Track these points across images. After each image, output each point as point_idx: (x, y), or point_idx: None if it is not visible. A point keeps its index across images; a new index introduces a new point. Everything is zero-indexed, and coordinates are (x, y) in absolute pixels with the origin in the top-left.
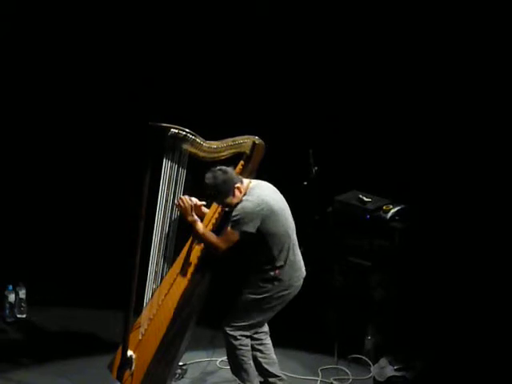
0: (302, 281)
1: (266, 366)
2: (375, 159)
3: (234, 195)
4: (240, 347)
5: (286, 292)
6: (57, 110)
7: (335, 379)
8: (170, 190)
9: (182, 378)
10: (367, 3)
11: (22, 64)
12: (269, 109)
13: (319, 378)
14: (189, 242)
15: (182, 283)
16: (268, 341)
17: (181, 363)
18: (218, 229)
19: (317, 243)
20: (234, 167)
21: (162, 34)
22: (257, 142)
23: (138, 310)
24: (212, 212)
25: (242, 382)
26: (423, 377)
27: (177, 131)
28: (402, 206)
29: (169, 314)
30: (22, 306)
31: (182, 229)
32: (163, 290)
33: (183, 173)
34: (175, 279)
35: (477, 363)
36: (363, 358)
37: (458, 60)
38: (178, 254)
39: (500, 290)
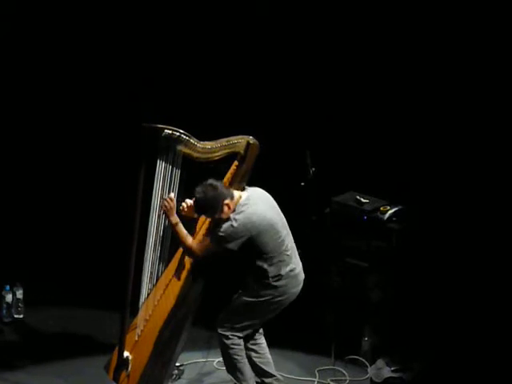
0: (299, 287)
1: (261, 366)
2: (373, 160)
3: (222, 211)
4: (232, 346)
5: (282, 298)
6: (53, 111)
7: (332, 380)
8: (164, 190)
9: (179, 378)
10: (365, 3)
11: (18, 64)
12: (266, 109)
13: (316, 379)
14: None
15: (178, 284)
16: (262, 340)
17: (177, 364)
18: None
19: (314, 244)
20: (228, 168)
21: (157, 35)
22: (251, 142)
23: (134, 310)
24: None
25: (238, 381)
26: (420, 378)
27: (171, 132)
28: (400, 207)
29: (165, 314)
30: (19, 307)
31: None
32: (159, 291)
33: (177, 173)
34: (171, 280)
35: (474, 364)
36: (360, 359)
37: (456, 60)
38: (174, 255)
39: (497, 291)
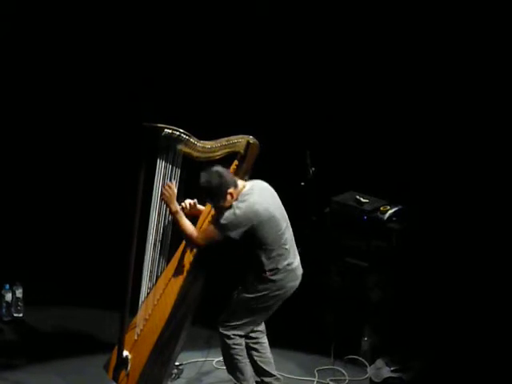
0: (297, 281)
1: (261, 365)
2: (373, 160)
3: (225, 199)
4: (234, 346)
5: (280, 292)
6: (52, 111)
7: (331, 380)
8: None
9: (178, 378)
10: (365, 3)
11: (18, 64)
12: (266, 109)
13: (316, 379)
14: (184, 241)
15: (178, 283)
16: (264, 340)
17: (177, 363)
18: None
19: (314, 244)
20: (229, 167)
21: (157, 35)
22: (251, 142)
23: (134, 310)
24: (206, 213)
25: (238, 381)
26: (420, 378)
27: (171, 131)
28: (400, 206)
29: (164, 313)
30: (18, 306)
31: (177, 229)
32: (158, 290)
33: (177, 173)
34: (170, 279)
35: (473, 364)
36: (360, 358)
37: (456, 60)
38: (173, 254)
39: (497, 291)
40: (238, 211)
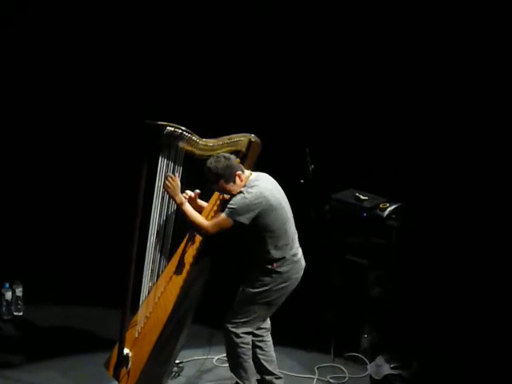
0: (301, 273)
1: (264, 363)
2: (372, 157)
3: (234, 182)
4: (242, 345)
5: (286, 284)
6: (54, 108)
7: (332, 377)
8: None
9: (179, 375)
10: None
11: (21, 62)
12: (265, 107)
13: (316, 376)
14: (185, 239)
15: (179, 281)
16: (269, 338)
17: (177, 361)
18: None
19: (314, 241)
20: None
21: (159, 33)
22: (253, 140)
23: (135, 307)
24: (212, 203)
25: (240, 379)
26: (420, 375)
27: (173, 129)
28: (399, 204)
29: (165, 311)
30: (18, 304)
31: (179, 226)
32: (160, 288)
33: (179, 170)
34: (171, 277)
35: (474, 361)
36: (360, 356)
37: (455, 57)
38: (175, 252)
39: (497, 288)
40: (248, 195)
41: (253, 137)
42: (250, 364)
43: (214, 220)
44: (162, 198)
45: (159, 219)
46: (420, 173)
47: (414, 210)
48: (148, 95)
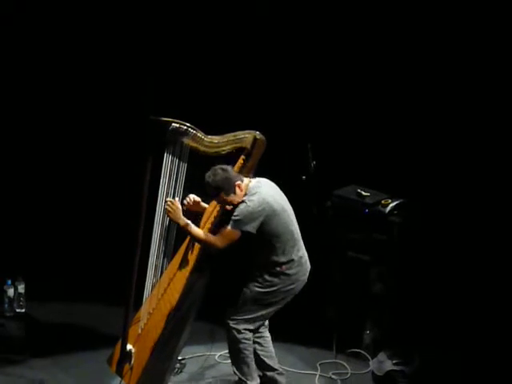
0: (307, 275)
1: (264, 359)
2: (374, 154)
3: (235, 193)
4: (243, 341)
5: (293, 286)
6: (58, 105)
7: (334, 373)
8: (170, 184)
9: (181, 372)
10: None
11: (22, 59)
12: (268, 103)
13: (318, 373)
14: (189, 236)
15: (182, 277)
16: (267, 334)
17: (179, 357)
18: (217, 225)
19: (315, 238)
20: (235, 162)
21: (164, 29)
22: (258, 138)
23: (138, 304)
24: (211, 208)
25: (242, 375)
26: (422, 371)
27: (178, 125)
28: (401, 200)
29: (168, 308)
30: (20, 301)
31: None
32: (163, 284)
33: (184, 167)
34: (175, 273)
35: (476, 357)
36: (362, 352)
37: (455, 54)
38: (178, 248)
39: (499, 284)
40: (250, 203)
41: (258, 134)
42: (251, 360)
43: (221, 235)
44: (167, 194)
45: (163, 215)
46: (422, 169)
47: (415, 207)
48: (153, 92)
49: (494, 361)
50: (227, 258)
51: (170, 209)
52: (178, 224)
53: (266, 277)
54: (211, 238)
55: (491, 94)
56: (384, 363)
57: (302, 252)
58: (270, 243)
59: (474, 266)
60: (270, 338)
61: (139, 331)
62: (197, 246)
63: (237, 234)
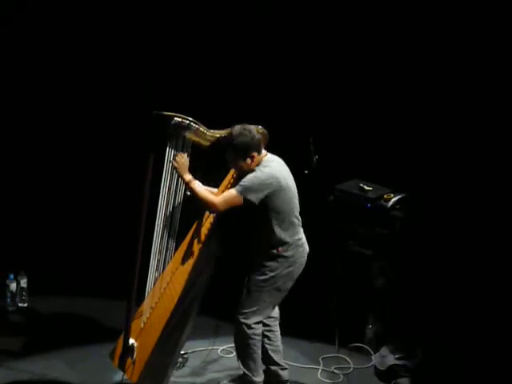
0: (305, 257)
1: (271, 354)
2: (376, 148)
3: (245, 161)
4: (253, 336)
5: (292, 268)
6: (59, 101)
7: (336, 368)
8: (172, 178)
9: (183, 366)
10: None
11: (26, 56)
12: (270, 97)
13: (320, 367)
14: (192, 230)
15: (185, 272)
16: (277, 328)
17: (182, 352)
18: None
19: (318, 232)
20: None
21: (165, 26)
22: (260, 131)
23: (140, 298)
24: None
25: (248, 371)
26: (424, 365)
27: (180, 120)
28: (403, 194)
29: (171, 302)
30: (23, 295)
31: (185, 217)
32: (165, 279)
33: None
34: (178, 268)
35: (478, 351)
36: (364, 346)
37: (455, 52)
38: (181, 242)
39: (501, 278)
40: (260, 174)
41: (260, 128)
42: (259, 355)
43: (224, 196)
44: (169, 189)
45: (166, 210)
46: (424, 163)
47: (418, 201)
48: (155, 86)
49: (497, 355)
50: (231, 254)
51: (178, 161)
52: (183, 179)
53: (264, 262)
54: (213, 198)
55: (491, 87)
56: (386, 357)
57: (299, 235)
58: (270, 219)
59: (476, 261)
60: (278, 333)
61: (142, 325)
62: (200, 240)
63: (239, 199)
